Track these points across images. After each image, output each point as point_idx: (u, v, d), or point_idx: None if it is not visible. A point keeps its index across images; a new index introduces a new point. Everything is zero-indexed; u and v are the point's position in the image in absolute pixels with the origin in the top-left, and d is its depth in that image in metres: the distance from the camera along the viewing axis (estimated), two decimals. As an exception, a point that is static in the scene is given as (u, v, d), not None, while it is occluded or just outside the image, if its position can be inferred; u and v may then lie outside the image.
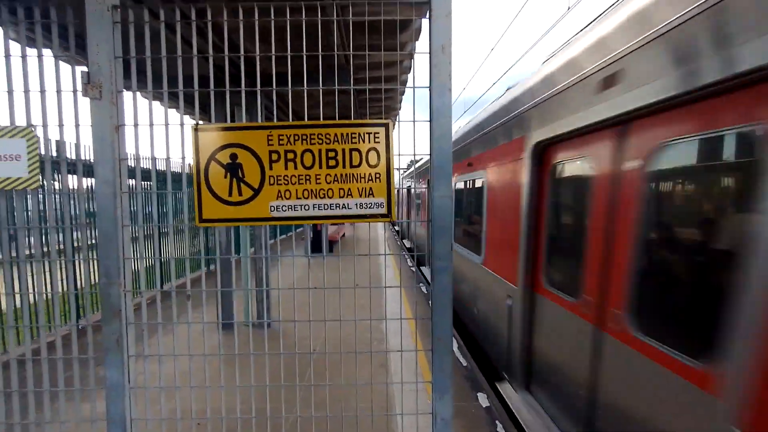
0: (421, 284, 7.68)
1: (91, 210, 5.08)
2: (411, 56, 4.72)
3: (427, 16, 1.52)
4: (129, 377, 1.76)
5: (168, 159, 1.72)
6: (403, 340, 4.37)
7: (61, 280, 4.41)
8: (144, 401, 1.84)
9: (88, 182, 5.27)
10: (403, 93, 6.75)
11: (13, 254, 2.02)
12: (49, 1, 1.65)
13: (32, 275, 2.08)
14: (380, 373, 3.50)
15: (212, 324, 4.83)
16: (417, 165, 13.47)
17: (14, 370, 2.01)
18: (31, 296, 2.09)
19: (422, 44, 1.61)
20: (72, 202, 4.73)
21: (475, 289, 4.86)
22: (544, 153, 3.17)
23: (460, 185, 5.87)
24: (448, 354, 1.53)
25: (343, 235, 15.65)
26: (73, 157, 4.75)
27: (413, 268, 9.81)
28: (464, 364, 4.07)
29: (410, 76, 6.26)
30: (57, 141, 1.69)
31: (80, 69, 1.64)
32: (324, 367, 3.44)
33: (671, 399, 1.79)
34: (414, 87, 1.57)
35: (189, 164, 1.67)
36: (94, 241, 4.94)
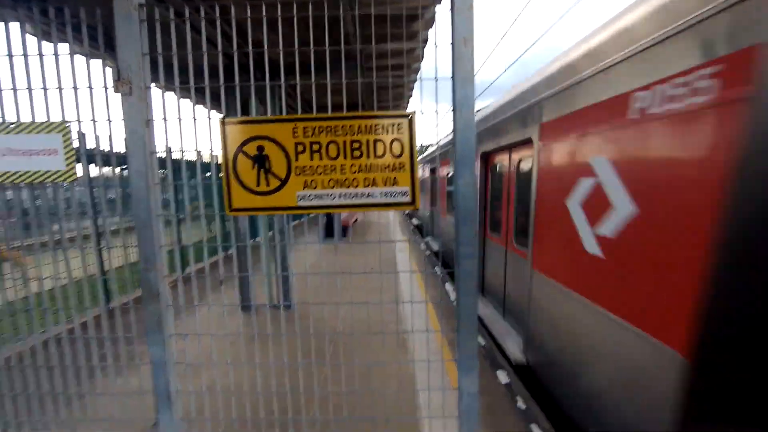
0: (436, 268, 7.76)
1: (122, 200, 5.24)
2: (424, 44, 4.64)
3: (450, 7, 1.52)
4: (172, 354, 1.88)
5: (198, 151, 1.78)
6: (420, 322, 4.48)
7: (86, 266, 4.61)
8: (178, 376, 1.97)
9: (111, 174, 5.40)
10: (415, 81, 6.67)
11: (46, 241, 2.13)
12: (78, 2, 1.69)
13: (66, 260, 2.20)
14: (400, 353, 3.63)
15: (235, 306, 5.01)
16: (425, 153, 13.23)
17: (53, 347, 2.16)
18: (64, 280, 2.22)
19: (436, 34, 1.61)
20: (105, 192, 4.89)
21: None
22: (487, 157, 5.51)
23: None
24: (473, 334, 1.60)
25: (356, 220, 15.76)
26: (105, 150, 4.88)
27: (426, 252, 9.88)
28: (483, 343, 4.17)
29: (421, 64, 6.17)
30: (95, 136, 1.77)
31: (99, 64, 1.70)
32: (347, 347, 3.58)
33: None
34: (436, 78, 1.59)
35: (216, 156, 1.73)
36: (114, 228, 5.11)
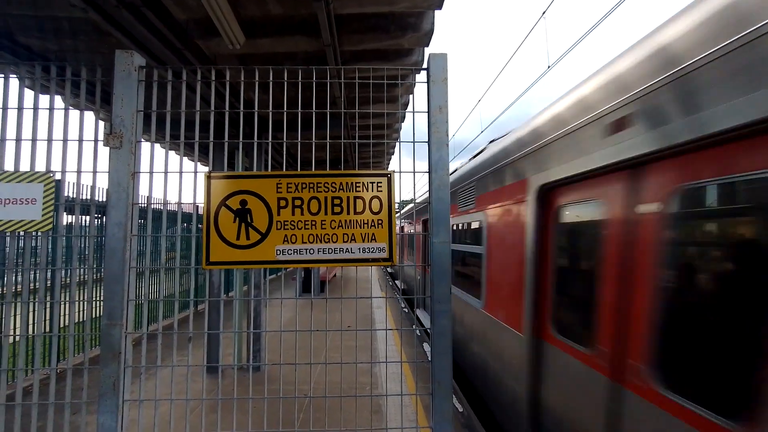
0: (414, 326, 7.58)
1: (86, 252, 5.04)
2: (405, 108, 5.05)
3: (426, 79, 1.71)
4: (122, 424, 1.71)
5: (180, 204, 1.81)
6: (397, 385, 4.26)
7: (44, 320, 4.28)
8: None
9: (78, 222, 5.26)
10: (396, 140, 7.12)
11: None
12: (79, 60, 1.80)
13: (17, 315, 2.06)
14: (375, 420, 3.39)
15: (198, 367, 4.66)
16: (404, 210, 13.80)
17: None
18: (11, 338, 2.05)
19: (414, 100, 1.82)
20: (81, 242, 4.71)
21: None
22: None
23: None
24: (448, 398, 1.55)
25: (335, 275, 15.49)
26: (85, 198, 4.80)
27: (405, 310, 9.69)
28: (461, 410, 3.97)
29: (402, 125, 6.64)
30: (77, 186, 1.78)
31: (75, 117, 1.76)
32: (318, 412, 3.33)
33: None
34: (414, 141, 1.72)
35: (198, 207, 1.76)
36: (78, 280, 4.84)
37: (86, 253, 5.34)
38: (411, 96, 5.50)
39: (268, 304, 9.03)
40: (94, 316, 4.20)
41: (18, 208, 1.78)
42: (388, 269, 20.72)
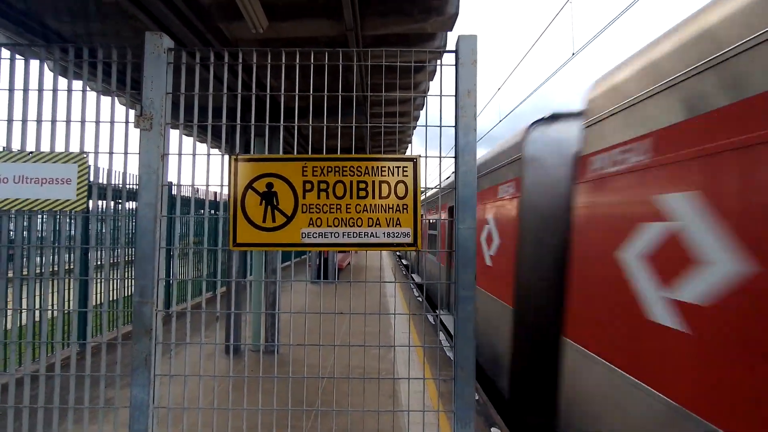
0: (428, 313, 7.60)
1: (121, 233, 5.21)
2: (425, 94, 4.97)
3: (454, 62, 1.66)
4: (153, 396, 1.79)
5: (207, 186, 1.84)
6: (414, 372, 4.31)
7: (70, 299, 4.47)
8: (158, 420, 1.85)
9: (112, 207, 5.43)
10: (415, 127, 7.09)
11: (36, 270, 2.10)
12: (110, 44, 1.83)
13: (54, 292, 2.16)
14: (389, 404, 3.45)
15: (219, 348, 4.81)
16: (426, 195, 13.70)
17: (26, 386, 2.04)
18: (48, 312, 2.15)
19: (441, 84, 1.76)
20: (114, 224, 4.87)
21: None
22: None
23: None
24: (471, 383, 1.56)
25: (349, 263, 15.63)
26: (118, 182, 4.97)
27: (419, 299, 9.72)
28: (476, 397, 3.99)
29: (423, 112, 6.55)
30: (109, 168, 1.83)
31: (107, 100, 1.79)
32: (338, 395, 3.40)
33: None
34: (441, 126, 1.69)
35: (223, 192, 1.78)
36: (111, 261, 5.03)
37: (116, 235, 5.54)
38: (431, 82, 5.41)
39: (284, 289, 9.22)
40: (126, 294, 4.38)
41: (54, 188, 1.84)
42: (403, 261, 20.76)
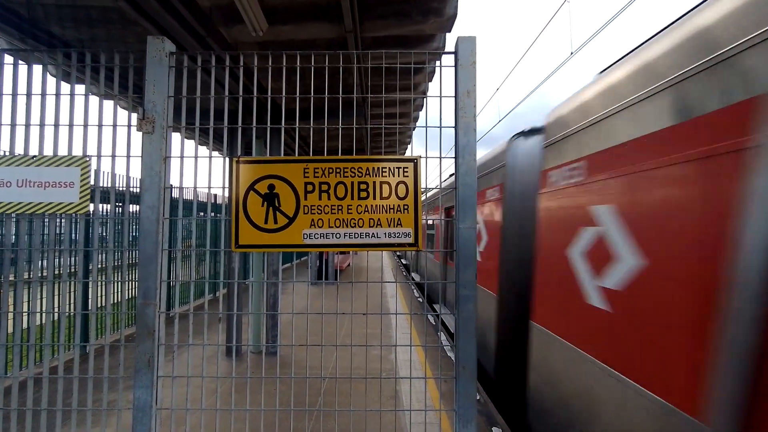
0: (428, 314, 7.61)
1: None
2: (424, 95, 5.00)
3: (453, 62, 1.68)
4: (156, 398, 1.79)
5: (209, 188, 1.85)
6: (414, 371, 4.31)
7: (73, 301, 4.49)
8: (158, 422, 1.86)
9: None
10: (415, 128, 7.13)
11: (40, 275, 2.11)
12: (112, 48, 1.84)
13: (58, 295, 2.16)
14: (390, 405, 3.46)
15: (220, 349, 4.81)
16: (426, 196, 13.84)
17: (30, 388, 2.05)
18: (54, 315, 2.15)
19: (441, 85, 1.80)
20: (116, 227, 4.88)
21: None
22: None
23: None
24: (472, 381, 1.57)
25: (348, 264, 15.63)
26: (121, 186, 5.01)
27: (420, 300, 9.73)
28: (477, 397, 4.00)
29: (422, 113, 6.58)
30: (112, 171, 1.85)
31: (109, 104, 1.81)
32: (340, 395, 3.41)
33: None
34: (441, 127, 1.71)
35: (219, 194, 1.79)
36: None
37: (118, 238, 5.54)
38: (429, 83, 5.44)
39: (285, 291, 9.23)
40: (128, 297, 4.40)
41: (57, 191, 1.85)
42: (403, 260, 20.97)
